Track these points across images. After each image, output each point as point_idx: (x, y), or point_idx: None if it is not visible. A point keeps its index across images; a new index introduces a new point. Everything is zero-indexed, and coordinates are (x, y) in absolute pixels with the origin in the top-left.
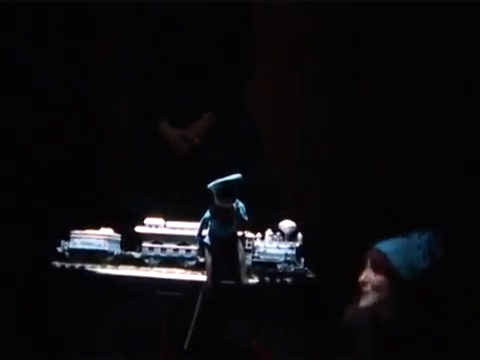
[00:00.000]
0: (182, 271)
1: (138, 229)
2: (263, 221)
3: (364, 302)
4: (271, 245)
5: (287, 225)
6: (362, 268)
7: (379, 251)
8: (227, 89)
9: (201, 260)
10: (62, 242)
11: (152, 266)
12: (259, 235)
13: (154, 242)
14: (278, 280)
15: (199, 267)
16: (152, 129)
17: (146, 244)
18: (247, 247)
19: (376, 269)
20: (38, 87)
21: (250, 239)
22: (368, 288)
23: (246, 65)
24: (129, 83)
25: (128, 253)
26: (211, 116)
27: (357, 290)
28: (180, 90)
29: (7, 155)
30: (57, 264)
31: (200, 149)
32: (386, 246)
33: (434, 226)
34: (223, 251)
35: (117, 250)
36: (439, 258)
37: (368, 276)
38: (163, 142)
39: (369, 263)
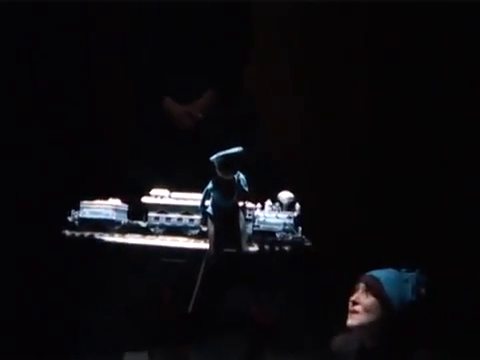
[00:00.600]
0: (186, 239)
1: (144, 199)
2: (262, 192)
3: (352, 321)
4: (270, 215)
5: (285, 196)
6: (354, 290)
7: (374, 277)
8: (227, 69)
9: (204, 229)
10: (72, 212)
11: (157, 235)
12: (259, 205)
13: (159, 212)
14: (277, 248)
15: (202, 236)
16: (157, 105)
17: (152, 214)
18: (248, 217)
19: (369, 293)
20: (48, 65)
21: (250, 209)
22: (358, 308)
23: (244, 47)
24: (134, 63)
25: (135, 222)
26: (212, 93)
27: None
28: (183, 69)
29: (22, 130)
30: (67, 233)
31: (202, 124)
32: (381, 274)
33: (421, 267)
34: (225, 220)
35: (124, 219)
36: (423, 296)
37: (360, 297)
38: (167, 118)
39: (362, 287)
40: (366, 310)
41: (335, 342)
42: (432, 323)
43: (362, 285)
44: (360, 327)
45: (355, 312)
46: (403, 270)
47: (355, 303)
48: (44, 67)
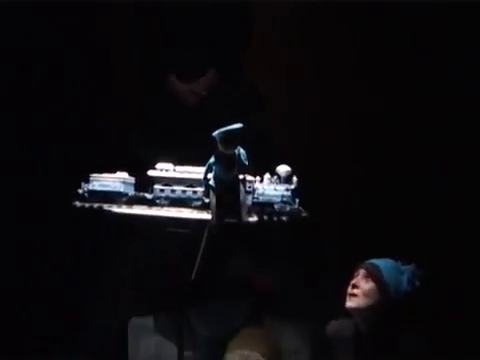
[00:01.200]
0: (189, 210)
1: (150, 173)
2: (262, 166)
3: (350, 303)
4: (269, 187)
5: (283, 169)
6: (354, 275)
7: (375, 265)
8: (228, 49)
9: (206, 201)
10: (82, 184)
11: (162, 206)
12: (258, 178)
13: (164, 184)
14: (275, 218)
15: (204, 207)
16: (162, 84)
17: (157, 186)
18: (247, 189)
19: (369, 279)
20: (58, 39)
21: (250, 182)
22: (357, 292)
23: (245, 29)
24: (140, 44)
25: (141, 194)
26: (214, 72)
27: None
28: (187, 49)
29: (38, 110)
30: (78, 204)
31: (205, 101)
32: (381, 263)
33: (417, 262)
34: (226, 192)
35: (131, 191)
36: (416, 288)
37: (359, 282)
38: (172, 95)
39: (362, 273)
40: (364, 294)
41: (331, 327)
42: (422, 312)
43: (362, 271)
44: (357, 309)
45: (354, 295)
46: (399, 262)
47: (355, 286)
48: (57, 47)
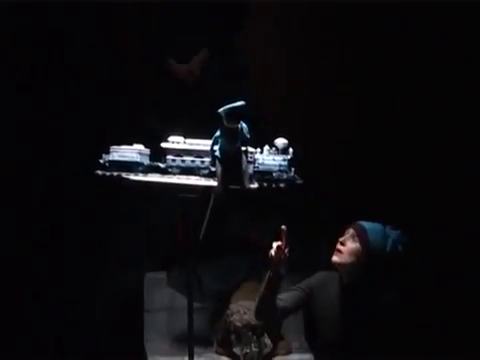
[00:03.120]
0: (198, 178)
1: (163, 145)
2: (261, 139)
3: (336, 258)
4: (268, 157)
5: (281, 141)
6: (344, 233)
7: (362, 227)
8: (221, 33)
9: (213, 169)
10: (103, 155)
11: (174, 174)
12: (258, 150)
13: (176, 155)
14: (274, 185)
15: (211, 175)
16: (164, 66)
17: (169, 156)
18: (249, 159)
19: (355, 239)
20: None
21: (251, 153)
22: (343, 249)
23: (236, 13)
24: (145, 34)
25: (155, 164)
26: (206, 51)
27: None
28: (183, 35)
29: (67, 90)
30: (99, 172)
31: (204, 79)
32: (368, 225)
33: (404, 228)
34: (230, 162)
35: (146, 161)
36: (399, 252)
37: (347, 241)
38: (173, 76)
39: (351, 232)
40: (349, 252)
41: (318, 276)
42: (402, 272)
43: (351, 231)
44: (341, 265)
45: (340, 252)
46: (389, 227)
47: (342, 244)
48: (75, 31)
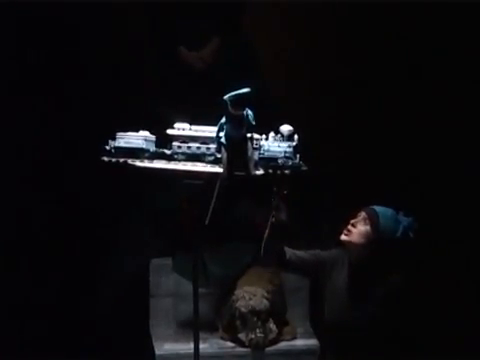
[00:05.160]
0: (203, 164)
1: (169, 131)
2: (267, 125)
3: (344, 237)
4: (273, 144)
5: (286, 128)
6: (356, 215)
7: (375, 212)
8: (228, 18)
9: (218, 156)
10: (110, 142)
11: (180, 160)
12: (264, 136)
13: (181, 142)
14: (279, 171)
15: (217, 161)
16: (174, 54)
17: (175, 143)
18: (254, 146)
19: (367, 222)
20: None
21: (257, 139)
22: (354, 230)
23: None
24: (156, 20)
25: (161, 150)
26: (217, 40)
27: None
28: (193, 22)
29: (76, 80)
30: (105, 159)
31: (213, 67)
32: (380, 210)
33: (416, 217)
34: (236, 149)
35: (152, 148)
36: (409, 239)
37: (358, 223)
38: (182, 63)
39: (363, 215)
40: (359, 234)
41: (327, 252)
42: (410, 258)
43: (363, 214)
44: (349, 243)
45: (350, 232)
46: (401, 213)
47: (353, 225)
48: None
